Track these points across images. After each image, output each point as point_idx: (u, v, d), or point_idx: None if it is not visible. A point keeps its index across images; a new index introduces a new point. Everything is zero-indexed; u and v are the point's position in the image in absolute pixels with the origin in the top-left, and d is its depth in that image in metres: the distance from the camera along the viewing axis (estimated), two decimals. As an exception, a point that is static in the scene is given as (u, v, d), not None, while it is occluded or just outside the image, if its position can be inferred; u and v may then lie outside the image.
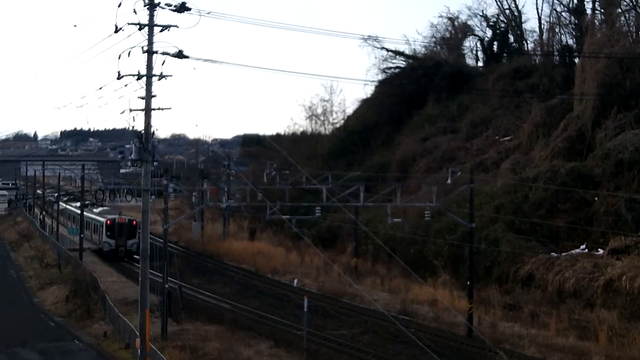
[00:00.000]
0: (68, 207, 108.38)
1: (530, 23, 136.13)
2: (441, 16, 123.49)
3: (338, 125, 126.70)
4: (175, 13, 36.46)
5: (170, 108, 38.40)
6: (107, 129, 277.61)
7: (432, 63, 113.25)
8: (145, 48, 37.02)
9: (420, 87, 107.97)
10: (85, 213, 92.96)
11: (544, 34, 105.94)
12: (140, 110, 37.87)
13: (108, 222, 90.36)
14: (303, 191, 78.42)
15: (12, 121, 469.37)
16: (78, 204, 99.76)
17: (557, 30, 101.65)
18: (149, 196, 40.30)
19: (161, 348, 43.86)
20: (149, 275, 40.21)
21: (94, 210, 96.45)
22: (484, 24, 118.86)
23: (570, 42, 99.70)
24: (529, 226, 66.00)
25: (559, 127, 77.62)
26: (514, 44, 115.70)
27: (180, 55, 36.66)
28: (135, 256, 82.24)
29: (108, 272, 77.80)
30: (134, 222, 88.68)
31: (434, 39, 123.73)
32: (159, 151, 39.62)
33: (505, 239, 65.12)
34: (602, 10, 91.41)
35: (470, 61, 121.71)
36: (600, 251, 59.83)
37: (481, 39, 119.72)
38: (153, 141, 38.16)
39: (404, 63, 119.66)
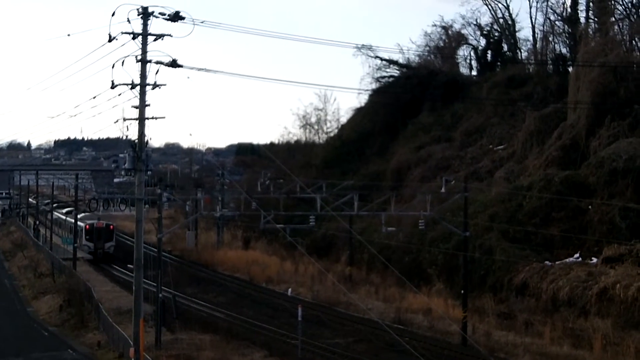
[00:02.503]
0: (57, 214, 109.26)
1: (524, 32, 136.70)
2: (435, 25, 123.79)
3: (332, 134, 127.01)
4: (169, 22, 36.57)
5: (164, 117, 38.48)
6: (101, 138, 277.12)
7: (426, 72, 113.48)
8: (139, 57, 37.09)
9: (414, 96, 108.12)
10: (68, 218, 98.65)
11: (538, 42, 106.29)
12: (134, 119, 37.93)
13: (87, 226, 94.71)
14: (297, 200, 78.34)
15: (6, 130, 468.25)
16: (64, 211, 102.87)
17: (550, 39, 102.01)
18: (143, 205, 40.29)
19: (155, 357, 43.83)
20: (143, 285, 40.19)
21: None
22: (478, 32, 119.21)
23: (564, 50, 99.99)
24: (523, 235, 66.01)
25: (553, 136, 77.78)
26: (508, 52, 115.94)
27: (174, 64, 36.70)
28: (130, 265, 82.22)
29: (102, 281, 77.64)
30: (111, 226, 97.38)
31: (428, 48, 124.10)
32: (152, 160, 39.65)
33: (499, 247, 65.12)
34: (596, 19, 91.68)
35: (464, 70, 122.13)
36: (594, 260, 59.85)
37: (475, 48, 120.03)
38: (147, 150, 38.20)
39: (398, 72, 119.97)
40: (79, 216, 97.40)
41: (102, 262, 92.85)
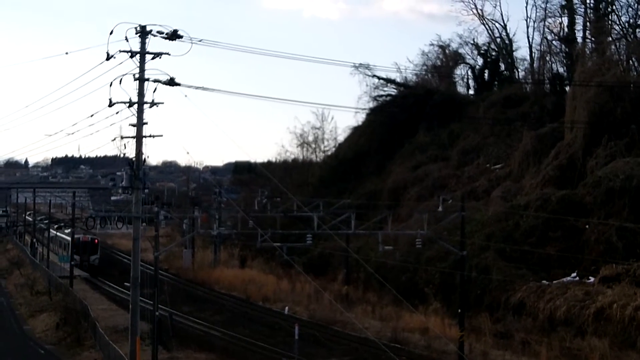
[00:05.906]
0: (51, 230, 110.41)
1: (521, 51, 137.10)
2: (432, 44, 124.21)
3: (329, 153, 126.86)
4: (167, 41, 36.62)
5: (161, 135, 38.52)
6: (98, 156, 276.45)
7: (423, 91, 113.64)
8: (137, 75, 37.15)
9: (411, 115, 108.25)
10: (58, 234, 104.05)
11: (535, 62, 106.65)
12: (132, 137, 37.95)
13: (73, 240, 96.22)
14: (294, 219, 78.30)
15: (3, 148, 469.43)
16: (55, 227, 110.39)
17: (547, 58, 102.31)
18: (140, 223, 40.27)
19: (151, 376, 43.71)
20: (140, 303, 40.12)
21: (65, 231, 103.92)
22: (475, 52, 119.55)
23: (561, 70, 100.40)
24: (519, 254, 65.89)
25: (549, 155, 77.84)
26: (505, 72, 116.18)
27: (171, 82, 36.75)
28: (127, 283, 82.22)
29: (98, 299, 77.52)
30: (96, 240, 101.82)
31: (425, 67, 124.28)
32: (149, 178, 39.70)
33: (496, 266, 65.06)
34: (593, 39, 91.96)
35: (461, 89, 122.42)
36: (592, 279, 59.77)
37: (472, 67, 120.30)
38: (144, 168, 38.22)
39: (395, 91, 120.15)
40: (66, 231, 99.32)
41: (93, 276, 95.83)
